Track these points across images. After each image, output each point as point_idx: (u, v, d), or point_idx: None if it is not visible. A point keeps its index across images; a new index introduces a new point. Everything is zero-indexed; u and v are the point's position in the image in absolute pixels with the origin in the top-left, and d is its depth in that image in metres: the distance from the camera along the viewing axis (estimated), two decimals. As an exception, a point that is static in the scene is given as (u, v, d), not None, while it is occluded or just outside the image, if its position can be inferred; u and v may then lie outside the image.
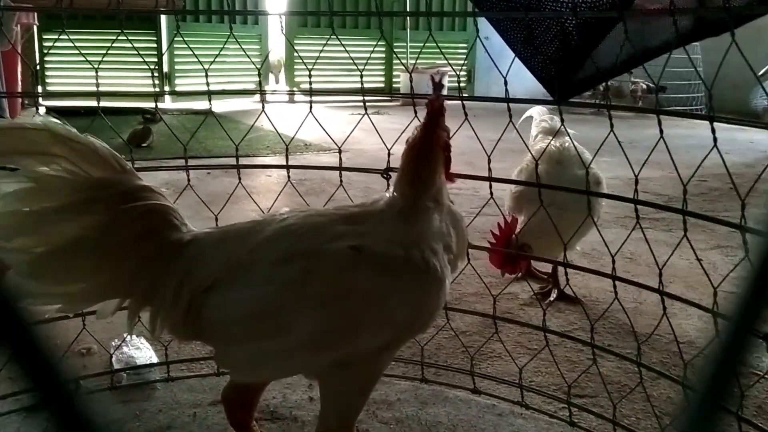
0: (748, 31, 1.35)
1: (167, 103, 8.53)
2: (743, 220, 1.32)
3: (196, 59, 1.96)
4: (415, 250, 1.20)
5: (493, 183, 1.79)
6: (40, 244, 1.20)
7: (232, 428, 1.70)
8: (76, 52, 2.16)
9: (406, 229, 1.23)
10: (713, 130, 1.31)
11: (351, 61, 1.93)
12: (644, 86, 8.55)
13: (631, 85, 8.47)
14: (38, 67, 8.47)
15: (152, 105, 1.95)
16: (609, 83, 1.61)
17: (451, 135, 1.35)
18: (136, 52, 2.02)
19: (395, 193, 1.30)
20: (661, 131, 1.38)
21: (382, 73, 10.70)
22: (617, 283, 1.67)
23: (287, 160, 1.86)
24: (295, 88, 9.78)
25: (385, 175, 1.76)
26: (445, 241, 1.27)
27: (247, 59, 2.35)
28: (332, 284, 1.18)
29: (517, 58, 1.56)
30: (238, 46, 1.89)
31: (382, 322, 1.21)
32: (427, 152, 1.29)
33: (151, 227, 1.25)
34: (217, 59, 1.98)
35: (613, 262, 1.64)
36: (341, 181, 1.87)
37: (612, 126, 1.48)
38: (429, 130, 1.29)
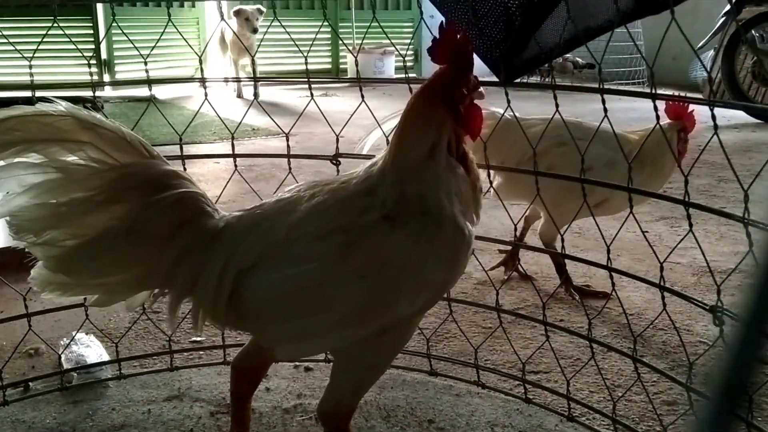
0: (686, 3, 1.37)
1: (108, 91, 8.30)
2: (687, 196, 1.35)
3: (131, 42, 1.89)
4: (442, 214, 1.21)
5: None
6: (71, 236, 1.17)
7: (188, 423, 1.68)
8: (10, 41, 2.07)
9: (415, 188, 1.21)
10: (656, 108, 1.33)
11: (293, 43, 1.89)
12: (575, 61, 8.64)
13: (560, 60, 8.51)
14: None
15: (92, 94, 1.89)
16: (553, 61, 1.62)
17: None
18: (71, 41, 1.95)
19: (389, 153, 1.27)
20: (605, 110, 1.39)
21: (329, 54, 10.61)
22: (567, 259, 1.69)
23: (233, 149, 1.83)
24: (241, 72, 9.66)
25: (334, 162, 1.74)
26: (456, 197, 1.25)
27: (187, 43, 2.29)
28: (369, 256, 1.18)
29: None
30: (177, 31, 1.83)
31: (420, 287, 1.23)
32: (420, 107, 1.26)
33: (186, 215, 1.23)
34: (157, 47, 1.93)
35: (562, 240, 1.66)
36: (290, 168, 1.85)
37: (557, 106, 1.49)
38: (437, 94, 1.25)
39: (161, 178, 1.24)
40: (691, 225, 1.38)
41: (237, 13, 7.00)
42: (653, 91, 1.32)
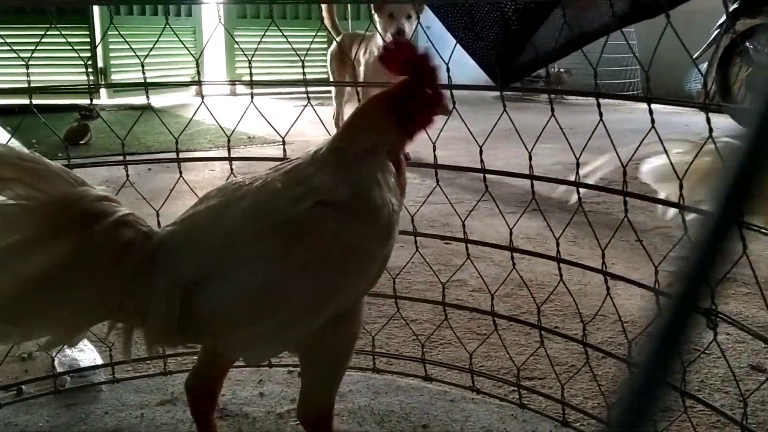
0: (680, 15, 1.39)
1: (103, 99, 8.31)
2: (681, 199, 1.35)
3: (131, 54, 1.90)
4: (368, 192, 1.22)
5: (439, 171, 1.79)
6: (11, 284, 1.10)
7: (181, 427, 1.68)
8: (5, 48, 2.08)
9: (350, 175, 1.23)
10: (651, 111, 1.34)
11: (292, 53, 1.90)
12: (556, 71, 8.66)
13: (555, 70, 8.52)
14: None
15: (88, 101, 1.89)
16: (550, 70, 1.63)
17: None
18: (68, 47, 1.95)
19: (325, 147, 1.29)
20: (600, 114, 1.40)
21: (324, 62, 10.63)
22: (562, 265, 1.69)
23: (229, 152, 1.83)
24: (235, 80, 9.65)
25: (329, 166, 1.74)
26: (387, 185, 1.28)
27: (183, 53, 2.30)
28: (309, 245, 1.18)
29: (458, 45, 1.56)
30: (173, 40, 1.84)
31: (363, 265, 1.23)
32: (372, 104, 1.30)
33: (126, 240, 1.18)
34: (153, 54, 1.93)
35: (558, 245, 1.66)
36: (286, 172, 1.85)
37: (553, 110, 1.50)
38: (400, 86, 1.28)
39: (96, 205, 1.18)
40: (686, 228, 1.39)
41: (379, 9, 4.84)
42: (648, 95, 1.33)
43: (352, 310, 1.30)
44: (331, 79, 5.41)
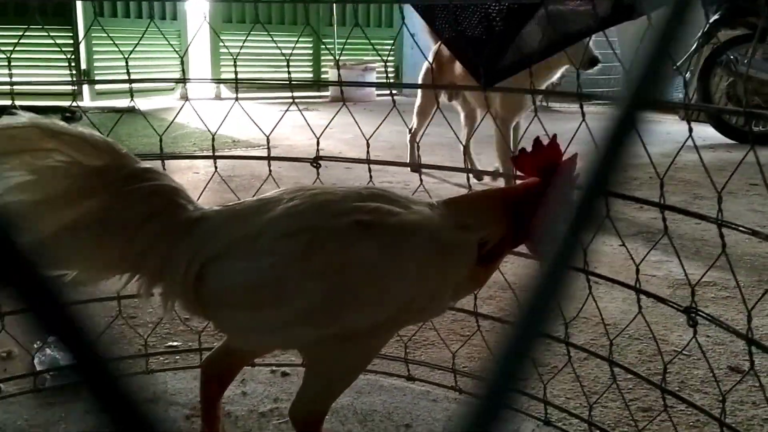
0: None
1: (87, 101, 8.26)
2: (662, 199, 1.37)
3: (114, 57, 1.90)
4: (426, 231, 1.22)
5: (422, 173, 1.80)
6: (45, 227, 1.23)
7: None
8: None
9: (419, 214, 1.25)
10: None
11: (278, 58, 1.90)
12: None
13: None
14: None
15: (71, 103, 1.88)
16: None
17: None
18: (51, 49, 1.94)
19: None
20: (583, 114, 1.41)
21: (310, 69, 10.65)
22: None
23: (213, 151, 1.82)
24: (220, 85, 9.63)
25: (314, 164, 1.75)
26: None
27: (167, 57, 2.30)
28: (333, 258, 1.20)
29: (442, 45, 1.57)
30: (157, 44, 1.84)
31: (382, 299, 1.22)
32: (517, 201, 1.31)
33: (158, 207, 1.27)
34: (137, 57, 1.93)
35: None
36: (270, 170, 1.85)
37: (536, 111, 1.51)
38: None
39: (133, 174, 1.29)
40: (666, 228, 1.40)
41: None
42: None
43: (367, 337, 1.29)
44: (419, 98, 4.66)
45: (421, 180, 1.84)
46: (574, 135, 1.53)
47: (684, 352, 2.12)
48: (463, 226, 1.27)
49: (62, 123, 1.28)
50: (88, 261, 1.29)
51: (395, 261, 1.21)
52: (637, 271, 1.49)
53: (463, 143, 4.56)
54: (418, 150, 4.50)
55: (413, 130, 4.81)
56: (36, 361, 1.86)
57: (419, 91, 4.80)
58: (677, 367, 2.00)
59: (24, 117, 1.25)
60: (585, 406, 1.78)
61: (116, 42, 1.91)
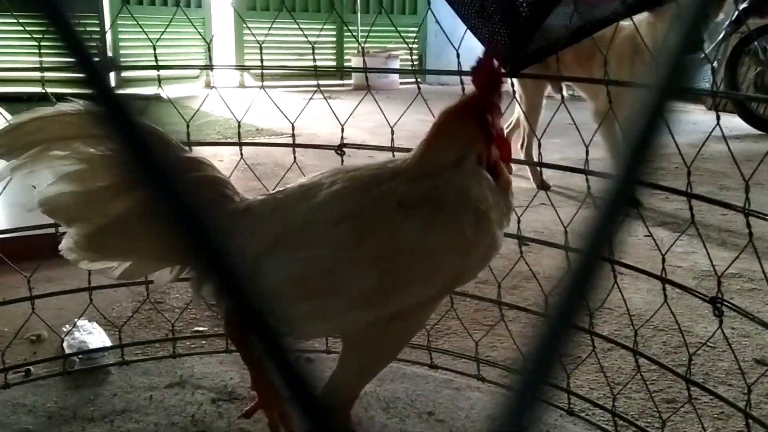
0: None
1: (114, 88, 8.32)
2: (689, 188, 1.36)
3: (140, 45, 1.92)
4: (459, 203, 1.23)
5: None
6: (97, 220, 1.26)
7: (189, 409, 1.69)
8: (18, 35, 2.09)
9: (436, 184, 1.24)
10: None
11: (301, 46, 1.91)
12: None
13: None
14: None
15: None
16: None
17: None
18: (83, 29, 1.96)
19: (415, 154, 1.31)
20: (610, 101, 1.40)
21: (333, 57, 10.64)
22: (569, 255, 1.70)
23: (239, 138, 1.84)
24: (243, 73, 9.65)
25: (338, 152, 1.76)
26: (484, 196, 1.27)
27: (193, 45, 2.31)
28: (380, 243, 1.21)
29: (468, 32, 1.56)
30: (182, 32, 1.86)
31: (431, 275, 1.24)
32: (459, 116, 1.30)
33: (202, 198, 1.25)
34: (162, 46, 1.94)
35: (566, 233, 1.67)
36: (294, 158, 1.86)
37: (563, 98, 1.50)
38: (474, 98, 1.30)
39: (179, 164, 1.28)
40: (693, 216, 1.39)
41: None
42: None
43: (412, 314, 1.30)
44: (522, 96, 3.86)
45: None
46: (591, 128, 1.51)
47: (709, 343, 2.10)
48: (458, 160, 1.26)
49: None
50: (140, 252, 1.31)
51: (444, 236, 1.22)
52: (663, 260, 1.48)
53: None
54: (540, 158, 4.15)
55: (526, 138, 4.13)
56: (65, 344, 1.90)
57: (520, 90, 3.85)
58: (702, 358, 1.99)
59: (79, 104, 1.26)
60: (609, 396, 1.77)
61: (142, 29, 1.92)
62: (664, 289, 1.50)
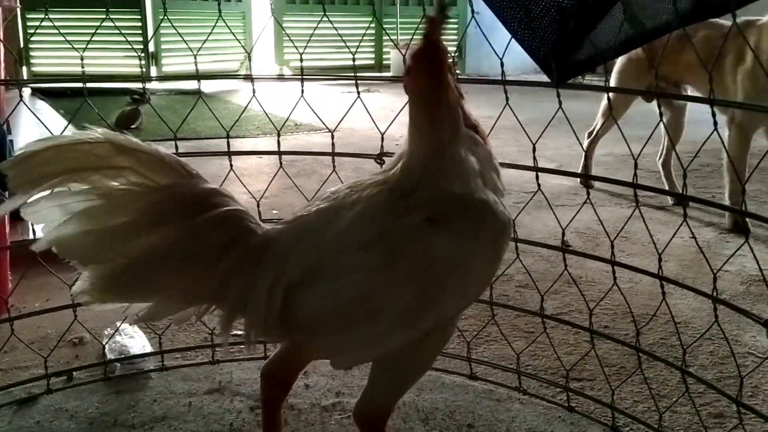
0: (745, 10, 1.33)
1: (155, 83, 8.43)
2: (744, 206, 1.30)
3: (182, 38, 1.91)
4: (483, 206, 1.21)
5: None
6: (116, 260, 1.18)
7: (228, 417, 1.69)
8: (63, 30, 2.12)
9: (451, 181, 1.21)
10: (713, 114, 1.29)
11: (341, 38, 1.88)
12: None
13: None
14: (22, 48, 8.35)
15: (140, 85, 1.92)
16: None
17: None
18: (121, 33, 1.97)
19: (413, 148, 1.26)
20: (661, 114, 1.35)
21: (372, 50, 10.61)
22: (616, 266, 1.65)
23: (279, 146, 1.82)
24: (285, 67, 9.68)
25: (378, 161, 1.73)
26: (489, 177, 1.26)
27: (233, 37, 2.31)
28: (414, 260, 1.18)
29: (508, 34, 1.52)
30: (222, 25, 1.85)
31: (466, 285, 1.23)
32: (435, 99, 1.23)
33: (231, 233, 1.23)
34: (202, 36, 1.95)
35: (612, 247, 1.62)
36: (334, 165, 1.85)
37: (611, 108, 1.45)
38: (427, 65, 1.22)
39: (204, 197, 1.24)
40: (748, 231, 1.33)
41: None
42: (712, 97, 1.28)
43: (441, 328, 1.28)
44: (610, 95, 3.52)
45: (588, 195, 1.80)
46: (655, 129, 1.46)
47: (759, 353, 2.04)
48: (453, 143, 1.23)
49: (136, 140, 1.21)
50: (164, 292, 1.22)
51: (476, 247, 1.20)
52: (715, 279, 1.42)
53: (661, 157, 3.89)
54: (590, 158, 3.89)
55: (594, 133, 3.97)
56: (107, 348, 1.92)
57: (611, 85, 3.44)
58: (750, 368, 1.92)
59: (98, 131, 1.18)
60: (653, 410, 1.73)
61: (184, 24, 1.92)
62: (715, 308, 1.44)
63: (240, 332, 2.10)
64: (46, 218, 1.16)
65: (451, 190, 1.21)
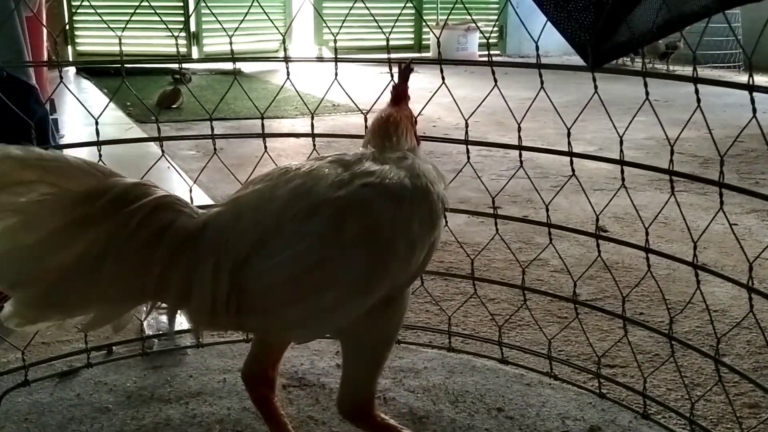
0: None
1: (195, 63, 8.51)
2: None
3: (223, 19, 1.93)
4: (416, 179, 1.27)
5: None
6: (50, 273, 1.10)
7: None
8: (106, 10, 2.16)
9: (399, 165, 1.30)
10: (752, 101, 1.26)
11: (379, 18, 1.88)
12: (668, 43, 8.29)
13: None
14: (67, 28, 8.50)
15: (178, 67, 1.94)
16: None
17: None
18: (162, 13, 1.99)
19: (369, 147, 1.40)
20: (698, 99, 1.32)
21: (412, 30, 10.54)
22: (651, 254, 1.63)
23: (312, 128, 1.84)
24: (322, 47, 9.69)
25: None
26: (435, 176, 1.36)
27: (273, 17, 2.32)
28: (360, 224, 1.18)
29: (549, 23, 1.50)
30: (262, 4, 1.86)
31: (411, 249, 1.24)
32: (397, 121, 1.45)
33: (165, 222, 1.16)
34: (243, 19, 1.96)
35: (647, 234, 1.60)
36: (366, 147, 1.85)
37: (647, 93, 1.43)
38: (396, 108, 1.50)
39: (128, 192, 1.15)
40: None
41: None
42: (751, 82, 1.25)
43: (396, 298, 1.29)
44: None
45: (521, 161, 1.79)
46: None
47: None
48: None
49: (35, 149, 1.12)
50: (105, 297, 1.14)
51: (414, 209, 1.24)
52: (750, 269, 1.40)
53: None
54: None
55: None
56: (145, 325, 1.96)
57: None
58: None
59: None
60: (686, 398, 1.71)
61: (223, 4, 1.93)
62: (750, 298, 1.42)
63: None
64: None
65: (389, 168, 1.27)
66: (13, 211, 1.07)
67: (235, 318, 1.18)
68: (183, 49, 8.46)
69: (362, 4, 1.87)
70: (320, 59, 7.69)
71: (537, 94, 1.62)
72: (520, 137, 1.73)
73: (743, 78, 1.34)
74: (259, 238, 1.17)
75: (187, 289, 1.15)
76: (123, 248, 1.12)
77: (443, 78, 1.78)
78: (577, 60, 1.62)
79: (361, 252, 1.18)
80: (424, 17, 10.20)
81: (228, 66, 7.88)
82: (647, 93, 1.44)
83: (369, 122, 1.52)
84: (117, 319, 1.21)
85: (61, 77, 1.66)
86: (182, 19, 8.53)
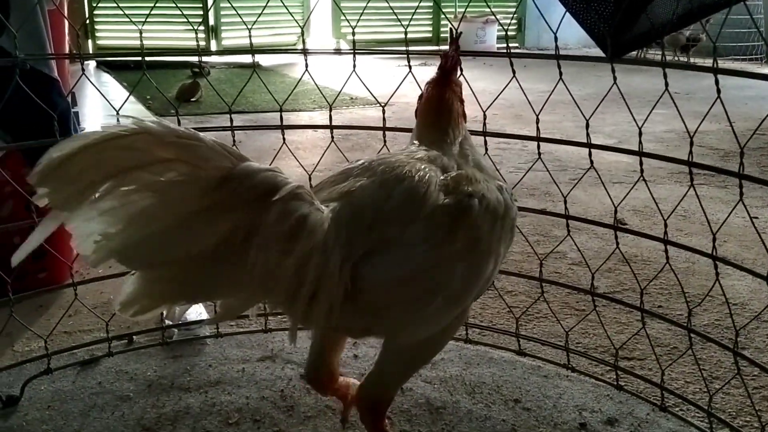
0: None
1: (214, 56, 8.55)
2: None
3: (241, 12, 1.94)
4: (502, 192, 1.29)
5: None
6: (188, 261, 1.05)
7: (279, 383, 1.74)
8: (126, 3, 2.18)
9: (478, 168, 1.32)
10: (775, 90, 1.25)
11: (398, 11, 1.88)
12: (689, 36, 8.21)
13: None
14: (87, 22, 8.56)
15: (197, 59, 1.96)
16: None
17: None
18: (181, 6, 2.01)
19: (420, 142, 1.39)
20: (719, 90, 1.31)
21: (430, 22, 10.51)
22: (671, 246, 1.63)
23: (330, 121, 1.85)
24: (340, 40, 9.69)
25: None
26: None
27: (291, 9, 2.33)
28: (468, 235, 1.20)
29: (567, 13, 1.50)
30: (281, 4, 1.87)
31: (495, 261, 1.26)
32: (445, 104, 1.42)
33: (301, 215, 1.09)
34: (261, 12, 1.97)
35: (665, 226, 1.59)
36: (384, 140, 1.86)
37: (666, 85, 1.42)
38: (442, 84, 1.44)
39: (266, 180, 1.09)
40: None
41: None
42: (773, 72, 1.24)
43: (466, 309, 1.31)
44: None
45: (539, 153, 1.79)
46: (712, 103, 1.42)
47: None
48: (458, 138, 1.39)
49: (174, 126, 1.05)
50: (241, 286, 1.09)
51: (503, 225, 1.26)
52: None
53: None
54: None
55: None
56: (165, 314, 1.98)
57: None
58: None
59: (129, 122, 1.02)
60: (704, 391, 1.70)
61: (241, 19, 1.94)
62: (770, 290, 1.41)
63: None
64: (88, 231, 1.02)
65: (478, 172, 1.29)
66: (153, 191, 1.02)
67: (350, 316, 1.16)
68: (202, 43, 8.50)
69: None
70: (338, 51, 7.70)
71: (555, 86, 1.62)
72: (538, 128, 1.73)
73: (765, 70, 1.33)
74: (380, 238, 1.16)
75: (317, 283, 1.10)
76: (267, 238, 1.06)
77: (461, 70, 1.78)
78: (596, 52, 1.61)
79: (463, 264, 1.20)
80: (443, 9, 10.16)
81: (246, 59, 7.93)
82: (666, 84, 1.43)
83: (420, 102, 1.47)
84: (250, 307, 1.16)
85: (83, 69, 1.68)
86: (201, 12, 8.56)
